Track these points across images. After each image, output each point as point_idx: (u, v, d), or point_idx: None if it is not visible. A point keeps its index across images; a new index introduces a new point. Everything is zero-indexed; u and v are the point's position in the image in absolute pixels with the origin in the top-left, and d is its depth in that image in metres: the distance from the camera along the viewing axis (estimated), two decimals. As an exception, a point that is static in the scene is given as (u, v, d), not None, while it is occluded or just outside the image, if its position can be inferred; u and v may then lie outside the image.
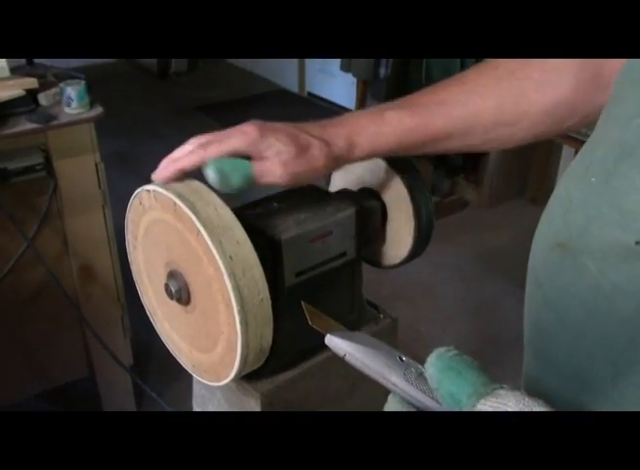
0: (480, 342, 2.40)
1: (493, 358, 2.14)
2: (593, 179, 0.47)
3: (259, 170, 0.65)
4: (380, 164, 0.84)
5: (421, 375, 0.41)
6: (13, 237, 1.54)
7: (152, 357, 2.15)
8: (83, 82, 1.51)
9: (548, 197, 0.53)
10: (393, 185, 0.83)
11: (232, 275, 0.63)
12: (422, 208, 0.82)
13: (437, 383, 0.39)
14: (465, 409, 0.38)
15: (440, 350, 0.40)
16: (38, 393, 1.86)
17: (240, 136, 0.66)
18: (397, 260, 0.87)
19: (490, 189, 3.25)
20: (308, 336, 0.79)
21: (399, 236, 0.84)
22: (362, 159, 0.71)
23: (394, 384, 0.42)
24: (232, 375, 0.68)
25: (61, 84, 1.51)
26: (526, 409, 0.36)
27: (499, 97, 0.68)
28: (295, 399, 0.80)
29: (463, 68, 2.86)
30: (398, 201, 0.83)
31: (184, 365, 0.76)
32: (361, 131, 0.68)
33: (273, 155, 0.66)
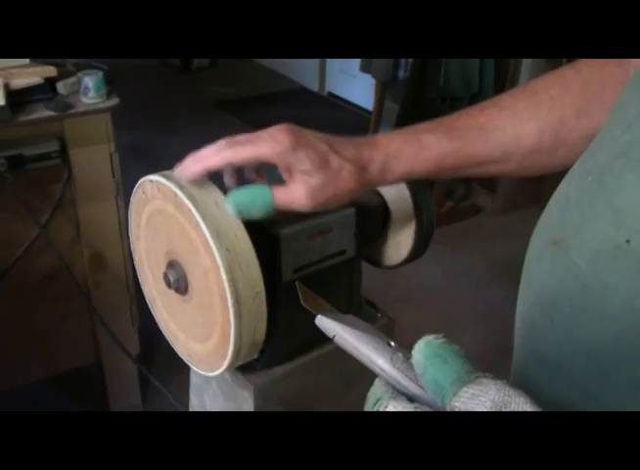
0: (487, 348, 2.39)
1: (500, 365, 2.13)
2: (589, 178, 0.48)
3: (282, 200, 0.64)
4: (384, 165, 0.84)
5: (408, 361, 0.41)
6: (26, 222, 1.57)
7: (158, 347, 2.18)
8: (101, 73, 1.53)
9: None
10: (396, 185, 0.84)
11: (228, 268, 0.64)
12: (423, 209, 0.83)
13: (423, 369, 0.39)
14: (447, 396, 0.38)
15: (429, 337, 0.41)
16: (44, 377, 1.89)
17: (271, 143, 0.63)
18: (397, 261, 0.87)
19: (505, 195, 3.23)
20: (304, 331, 0.81)
21: (400, 237, 0.85)
22: (393, 183, 0.69)
23: (381, 368, 0.42)
24: (225, 366, 0.69)
25: (79, 74, 1.54)
26: (507, 398, 0.37)
27: (539, 124, 0.66)
28: (289, 394, 0.81)
29: (482, 71, 2.85)
30: (400, 201, 0.84)
31: (180, 354, 0.78)
32: (398, 156, 0.66)
33: (300, 176, 0.63)
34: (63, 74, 1.59)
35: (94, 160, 1.61)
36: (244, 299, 0.66)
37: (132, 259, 1.81)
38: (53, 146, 1.52)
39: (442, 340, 0.40)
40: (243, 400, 0.79)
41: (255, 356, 0.73)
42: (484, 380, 0.38)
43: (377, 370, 0.43)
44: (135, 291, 1.84)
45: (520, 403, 0.36)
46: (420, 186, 0.83)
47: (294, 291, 0.76)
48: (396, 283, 2.51)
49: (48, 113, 1.50)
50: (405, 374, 0.41)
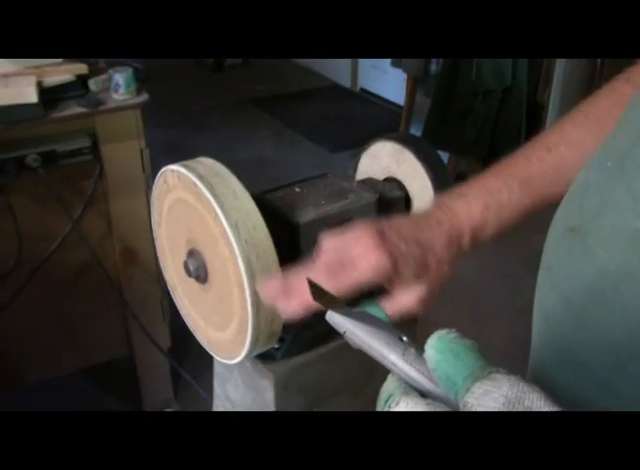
0: (519, 344, 2.36)
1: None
2: (609, 164, 0.47)
3: (393, 311, 0.61)
4: (406, 156, 0.84)
5: (420, 356, 0.40)
6: (59, 217, 1.60)
7: (190, 341, 2.20)
8: (131, 69, 1.56)
9: None
10: (419, 176, 0.83)
11: (246, 259, 0.65)
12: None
13: (435, 364, 0.39)
14: (460, 392, 0.37)
15: (441, 332, 0.40)
16: (79, 369, 1.93)
17: (371, 267, 0.57)
18: (419, 252, 0.87)
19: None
20: (324, 320, 0.81)
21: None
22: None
23: (393, 363, 0.41)
24: (243, 354, 0.70)
25: (109, 71, 1.56)
26: (521, 394, 0.36)
27: None
28: (309, 383, 0.81)
29: (515, 64, 2.81)
30: (422, 192, 0.83)
31: (200, 341, 0.79)
32: (484, 226, 0.63)
33: (407, 290, 0.60)
34: (94, 72, 1.62)
35: (125, 155, 1.63)
36: (261, 288, 0.66)
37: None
38: (85, 142, 1.55)
39: (455, 334, 0.39)
40: (264, 389, 0.79)
41: (274, 345, 0.74)
42: (498, 376, 0.37)
43: (389, 366, 0.42)
44: (166, 285, 1.86)
45: (534, 399, 0.35)
46: (443, 177, 0.82)
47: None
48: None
49: (80, 109, 1.52)
50: (418, 369, 0.40)
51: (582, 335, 0.47)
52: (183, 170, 0.69)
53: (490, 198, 0.63)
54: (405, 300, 0.61)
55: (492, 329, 2.44)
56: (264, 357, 0.78)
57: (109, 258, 1.73)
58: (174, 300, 0.82)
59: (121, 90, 1.55)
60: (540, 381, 0.38)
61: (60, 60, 1.55)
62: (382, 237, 0.58)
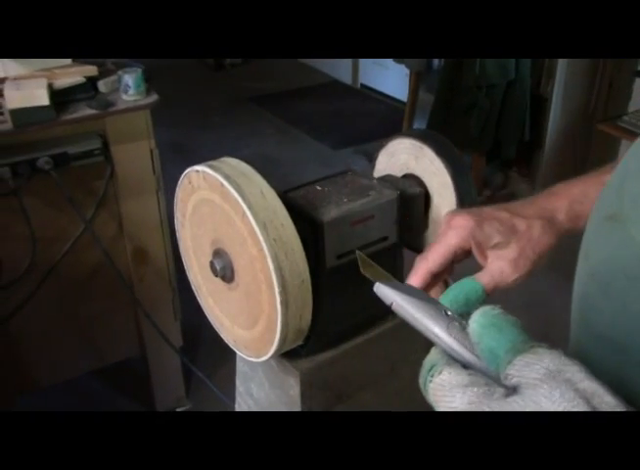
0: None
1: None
2: None
3: (489, 284, 0.61)
4: (425, 152, 0.85)
5: (464, 330, 0.42)
6: (71, 219, 1.61)
7: (201, 340, 2.21)
8: (140, 70, 1.56)
9: None
10: (438, 173, 0.84)
11: (275, 257, 0.65)
12: (465, 196, 0.83)
13: (478, 338, 0.40)
14: (502, 364, 0.38)
15: (486, 307, 0.41)
16: (92, 370, 1.93)
17: (454, 231, 0.62)
18: (439, 247, 0.87)
19: (544, 183, 3.19)
20: (348, 317, 0.82)
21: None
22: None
23: (437, 335, 0.42)
24: (271, 352, 0.70)
25: (119, 72, 1.57)
26: (562, 367, 0.36)
27: None
28: (334, 379, 0.82)
29: (517, 59, 2.81)
30: (442, 189, 0.84)
31: (225, 340, 0.79)
32: (583, 199, 0.63)
33: (494, 253, 0.62)
34: (103, 73, 1.62)
35: (135, 156, 1.64)
36: (290, 287, 0.67)
37: (174, 253, 1.84)
38: (95, 143, 1.56)
39: (499, 310, 0.41)
40: (289, 387, 0.80)
41: (301, 342, 0.74)
42: (540, 349, 0.38)
43: (433, 338, 0.43)
44: (177, 284, 1.87)
45: (574, 372, 0.36)
46: (462, 173, 0.83)
47: (337, 277, 0.77)
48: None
49: (90, 111, 1.53)
50: (461, 342, 0.41)
51: (622, 320, 0.47)
52: (209, 171, 0.70)
53: (594, 178, 0.64)
54: (496, 265, 0.61)
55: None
56: (289, 355, 0.78)
57: (120, 259, 1.74)
58: (198, 299, 0.83)
59: (131, 91, 1.56)
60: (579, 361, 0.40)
61: (69, 61, 1.56)
62: (466, 209, 0.63)
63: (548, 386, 0.35)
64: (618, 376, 0.48)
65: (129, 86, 1.55)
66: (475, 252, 0.62)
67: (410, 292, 0.46)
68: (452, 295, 0.61)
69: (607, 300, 0.49)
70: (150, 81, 1.67)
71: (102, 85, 1.60)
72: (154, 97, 1.61)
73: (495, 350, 0.39)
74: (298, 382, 0.79)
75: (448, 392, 0.38)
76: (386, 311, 0.85)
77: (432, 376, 0.40)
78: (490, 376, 0.39)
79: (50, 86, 1.47)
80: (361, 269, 0.53)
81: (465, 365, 0.40)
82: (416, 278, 0.62)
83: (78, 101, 1.55)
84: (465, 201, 0.82)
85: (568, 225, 0.64)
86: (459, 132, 2.91)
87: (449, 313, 0.44)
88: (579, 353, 0.53)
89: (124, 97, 1.57)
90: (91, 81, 1.57)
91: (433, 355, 0.42)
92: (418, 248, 0.90)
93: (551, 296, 2.58)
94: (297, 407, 0.80)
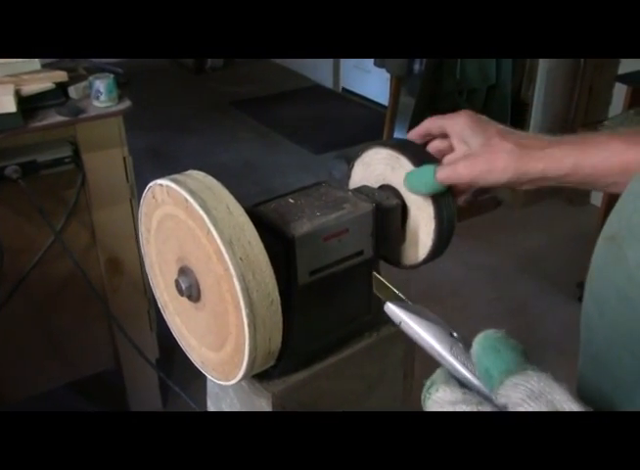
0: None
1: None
2: None
3: (444, 173, 0.72)
4: (402, 162, 0.82)
5: (467, 352, 0.44)
6: (41, 229, 1.56)
7: (177, 351, 2.16)
8: (112, 76, 1.52)
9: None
10: (414, 184, 0.81)
11: (241, 277, 0.62)
12: (443, 209, 0.80)
13: (478, 359, 0.42)
14: (495, 384, 0.40)
15: (489, 331, 0.44)
16: (65, 384, 1.88)
17: (454, 119, 0.75)
18: (417, 261, 0.84)
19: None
20: (321, 336, 0.78)
21: (418, 236, 0.82)
22: (558, 178, 0.65)
23: (441, 355, 0.45)
24: (240, 376, 0.67)
25: (90, 78, 1.52)
26: (546, 388, 0.38)
27: None
28: (307, 400, 0.78)
29: (499, 62, 2.80)
30: (419, 200, 0.81)
31: (194, 361, 0.76)
32: (568, 145, 0.65)
33: (461, 148, 0.73)
34: (74, 79, 1.58)
35: (108, 164, 1.60)
36: (258, 308, 0.63)
37: (148, 264, 1.79)
38: (66, 151, 1.52)
39: (501, 334, 0.43)
40: (261, 408, 0.76)
41: (272, 364, 0.71)
42: (529, 371, 0.40)
43: (437, 357, 0.46)
44: (152, 295, 1.83)
45: (555, 395, 0.38)
46: (438, 183, 0.80)
47: (310, 294, 0.74)
48: (418, 279, 2.47)
49: (60, 118, 1.49)
50: (462, 363, 0.44)
51: (615, 342, 0.48)
52: (173, 185, 0.66)
53: (595, 137, 0.64)
54: (456, 162, 0.71)
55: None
56: (260, 376, 0.75)
57: (93, 270, 1.70)
58: (165, 318, 0.79)
59: (102, 97, 1.51)
60: (585, 391, 0.45)
61: (38, 67, 1.51)
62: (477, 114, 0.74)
63: (528, 406, 0.38)
64: (611, 400, 0.47)
65: (100, 92, 1.51)
66: (453, 141, 0.75)
67: (419, 313, 0.49)
68: (413, 171, 0.76)
69: (601, 320, 0.49)
70: (128, 85, 1.63)
71: (72, 91, 1.55)
72: (126, 103, 1.57)
73: (490, 370, 0.41)
74: (270, 404, 0.75)
75: (440, 407, 0.41)
76: (360, 330, 0.82)
77: (429, 393, 0.43)
78: (486, 396, 0.42)
79: (17, 93, 1.43)
80: (374, 289, 0.59)
81: (466, 385, 0.43)
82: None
83: (48, 107, 1.50)
84: (443, 212, 0.79)
85: (539, 164, 0.65)
86: (440, 137, 2.89)
87: (455, 335, 0.47)
88: (580, 373, 0.53)
89: (96, 103, 1.53)
90: (61, 87, 1.53)
91: (436, 374, 0.45)
92: (395, 261, 0.87)
93: (530, 301, 2.57)
94: (269, 430, 0.76)
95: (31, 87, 1.47)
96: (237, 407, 0.81)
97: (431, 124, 0.78)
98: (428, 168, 0.74)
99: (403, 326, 0.50)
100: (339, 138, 4.11)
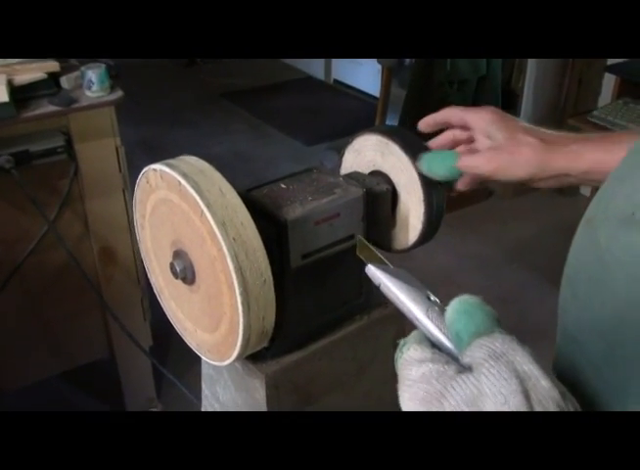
0: (501, 332, 2.38)
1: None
2: (626, 158, 0.49)
3: (466, 162, 0.72)
4: (391, 148, 0.83)
5: (442, 315, 0.45)
6: (34, 219, 1.56)
7: (172, 339, 2.17)
8: (104, 66, 1.52)
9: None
10: (405, 169, 0.82)
11: (235, 257, 0.63)
12: (432, 193, 0.81)
13: (450, 322, 0.43)
14: (464, 346, 0.41)
15: (464, 296, 0.44)
16: (59, 373, 1.89)
17: (479, 114, 0.74)
18: (407, 245, 0.86)
19: (516, 178, 3.20)
20: (314, 318, 0.80)
21: (409, 221, 0.83)
22: (580, 173, 0.67)
23: (417, 318, 0.46)
24: (234, 355, 0.68)
25: (82, 68, 1.53)
26: (509, 351, 0.39)
27: None
28: (300, 382, 0.80)
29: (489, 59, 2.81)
30: (409, 185, 0.82)
31: (189, 344, 0.77)
32: (591, 143, 0.66)
33: (484, 141, 0.73)
34: (66, 69, 1.58)
35: (100, 154, 1.60)
36: (251, 287, 0.65)
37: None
38: (58, 141, 1.52)
39: (477, 300, 0.44)
40: (254, 390, 0.78)
41: (266, 345, 0.72)
42: (496, 334, 0.41)
43: (413, 319, 0.47)
44: (146, 284, 1.84)
45: (519, 355, 0.39)
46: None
47: (303, 277, 0.75)
48: (410, 268, 2.49)
49: (52, 108, 1.49)
50: (437, 325, 0.45)
51: (584, 323, 0.49)
52: (166, 169, 0.67)
53: (613, 137, 0.66)
54: (479, 154, 0.72)
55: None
56: (254, 357, 0.76)
57: (87, 259, 1.70)
58: (161, 303, 0.81)
59: (95, 87, 1.52)
60: (561, 372, 0.45)
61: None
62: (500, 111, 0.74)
63: (489, 365, 0.38)
64: (583, 374, 0.48)
65: (93, 82, 1.51)
66: (477, 136, 0.75)
67: (398, 276, 0.50)
68: (433, 154, 0.77)
69: (574, 302, 0.50)
70: (119, 77, 1.63)
71: (64, 81, 1.56)
72: (118, 93, 1.57)
73: (461, 333, 0.42)
74: (264, 385, 0.77)
75: (409, 365, 0.42)
76: (351, 313, 0.84)
77: (402, 352, 0.44)
78: (453, 356, 0.43)
79: (10, 82, 1.43)
80: (357, 252, 0.59)
81: (438, 347, 0.44)
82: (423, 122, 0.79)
83: (40, 97, 1.50)
84: (432, 196, 0.81)
85: (562, 158, 0.67)
86: (431, 128, 2.90)
87: (432, 298, 0.47)
88: (556, 352, 0.54)
89: (88, 93, 1.54)
90: (53, 77, 1.53)
91: (410, 335, 0.45)
92: (386, 245, 0.89)
93: (521, 290, 2.59)
94: (263, 410, 0.78)
95: (23, 77, 1.47)
96: (231, 390, 0.83)
97: (451, 114, 0.77)
98: (449, 154, 0.75)
99: (382, 288, 0.50)
100: (330, 129, 4.12)
